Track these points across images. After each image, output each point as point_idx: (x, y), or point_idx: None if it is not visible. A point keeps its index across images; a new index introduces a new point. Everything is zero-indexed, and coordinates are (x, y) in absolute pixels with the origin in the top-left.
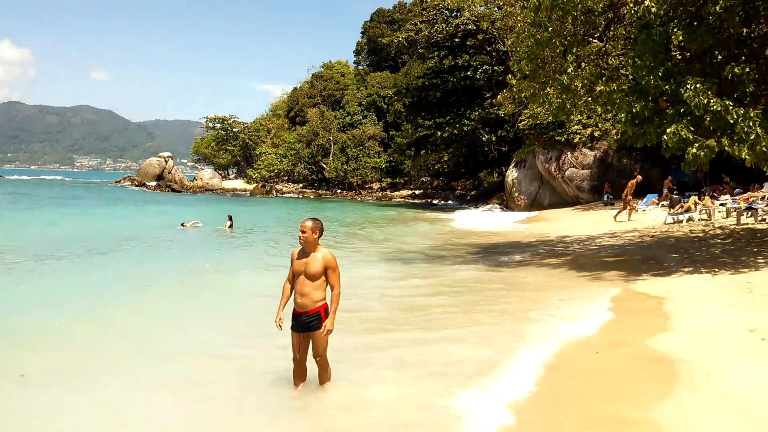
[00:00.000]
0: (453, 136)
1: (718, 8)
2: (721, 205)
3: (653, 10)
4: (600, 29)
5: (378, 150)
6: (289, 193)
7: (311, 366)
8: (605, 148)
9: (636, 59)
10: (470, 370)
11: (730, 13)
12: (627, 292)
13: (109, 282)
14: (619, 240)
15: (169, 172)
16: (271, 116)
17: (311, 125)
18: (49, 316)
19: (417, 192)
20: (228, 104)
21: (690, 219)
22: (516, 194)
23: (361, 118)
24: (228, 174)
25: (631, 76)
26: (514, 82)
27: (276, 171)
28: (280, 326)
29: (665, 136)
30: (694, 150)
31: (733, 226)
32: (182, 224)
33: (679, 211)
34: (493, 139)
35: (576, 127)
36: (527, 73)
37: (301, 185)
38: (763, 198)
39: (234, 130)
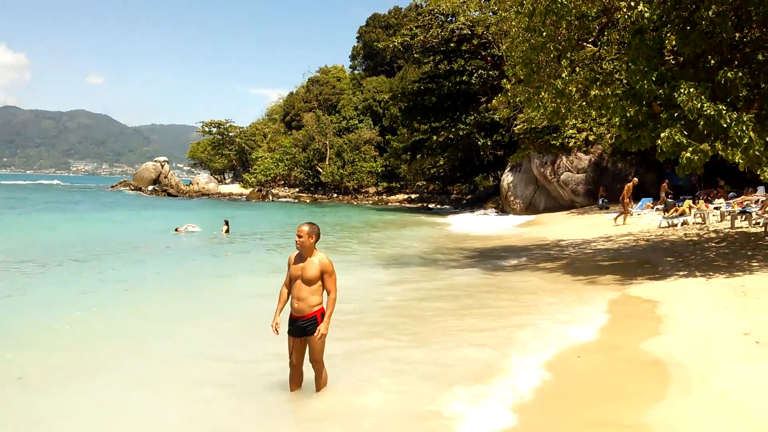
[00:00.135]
0: (449, 140)
1: (711, 13)
2: (716, 208)
3: (647, 15)
4: (594, 34)
5: (374, 154)
6: (285, 197)
7: (308, 371)
8: (600, 152)
9: (630, 64)
10: (465, 375)
11: (722, 18)
12: (622, 296)
13: (107, 286)
14: (614, 244)
15: (165, 177)
16: (267, 121)
17: (307, 129)
18: (48, 318)
19: (413, 196)
20: (224, 109)
21: (684, 223)
22: (511, 198)
23: (357, 122)
24: (224, 178)
25: (625, 81)
26: (509, 86)
27: (272, 175)
28: (277, 331)
29: (659, 141)
30: (688, 154)
31: (727, 230)
32: (176, 229)
33: (674, 214)
34: (489, 143)
35: (571, 131)
36: (522, 77)
37: (297, 190)
38: (757, 202)
39: (230, 134)
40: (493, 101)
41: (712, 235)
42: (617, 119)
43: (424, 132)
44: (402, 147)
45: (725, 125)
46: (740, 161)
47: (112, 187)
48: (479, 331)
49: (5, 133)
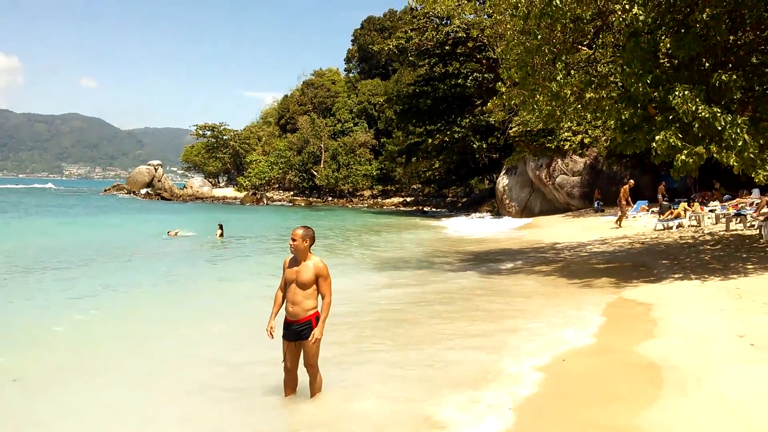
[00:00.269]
0: (444, 143)
1: (705, 16)
2: (711, 211)
3: (641, 17)
4: (589, 37)
5: (369, 157)
6: (279, 200)
7: (303, 376)
8: (595, 154)
9: (625, 66)
10: (459, 380)
11: (716, 21)
12: (618, 299)
13: (102, 289)
14: (610, 247)
15: (159, 181)
16: (261, 124)
17: (302, 133)
18: (45, 320)
19: (408, 199)
20: (218, 112)
21: (680, 225)
22: (507, 201)
23: (352, 125)
24: (218, 182)
25: (620, 83)
26: (504, 89)
27: (267, 179)
28: (272, 335)
29: (654, 143)
30: (683, 157)
31: (722, 233)
32: (168, 232)
33: (669, 217)
34: (484, 146)
35: (566, 134)
36: (517, 80)
37: (291, 193)
38: (751, 204)
39: (224, 137)
40: (489, 104)
41: (707, 237)
42: (612, 122)
43: (419, 135)
44: (397, 150)
45: (720, 128)
46: (735, 164)
47: (105, 191)
48: (474, 335)
49: None
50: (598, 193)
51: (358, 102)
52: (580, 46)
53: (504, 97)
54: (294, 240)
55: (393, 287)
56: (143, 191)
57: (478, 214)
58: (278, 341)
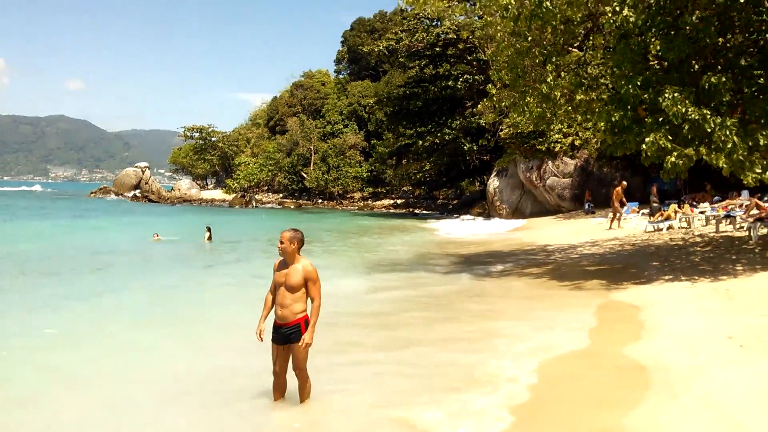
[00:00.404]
0: (434, 145)
1: (694, 19)
2: (701, 213)
3: (631, 19)
4: (579, 39)
5: (359, 159)
6: (269, 203)
7: (292, 381)
8: (586, 156)
9: (615, 68)
10: (447, 385)
11: (706, 23)
12: (608, 300)
13: (87, 295)
14: (600, 248)
15: (146, 183)
16: (250, 125)
17: (291, 134)
18: (26, 326)
19: (399, 201)
20: (207, 113)
21: (670, 227)
22: (498, 203)
23: (342, 127)
24: (206, 184)
25: (610, 85)
26: (494, 91)
27: (256, 181)
28: (261, 338)
29: (644, 145)
30: (673, 158)
31: (712, 234)
32: (155, 235)
33: (659, 219)
34: (475, 148)
35: (556, 136)
36: (507, 82)
37: (281, 195)
38: (741, 206)
39: (212, 139)
40: (479, 106)
41: (697, 239)
42: (602, 124)
43: (409, 137)
44: (387, 152)
45: (709, 130)
46: (724, 165)
47: (92, 193)
48: (463, 338)
49: None
50: (588, 195)
51: (348, 103)
52: (570, 48)
53: (494, 98)
54: (282, 243)
55: (383, 290)
56: (130, 194)
57: (469, 216)
58: (267, 345)
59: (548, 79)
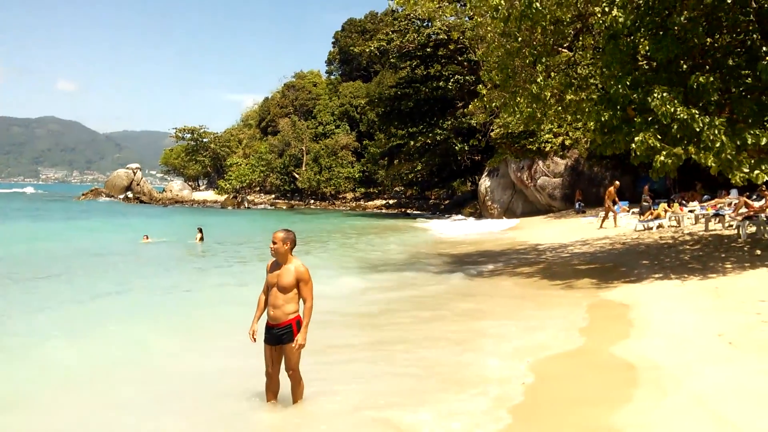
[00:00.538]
0: (426, 145)
1: (682, 19)
2: (690, 211)
3: (621, 20)
4: (569, 39)
5: (351, 160)
6: (261, 204)
7: (285, 381)
8: (576, 156)
9: (604, 69)
10: (438, 385)
11: (694, 23)
12: (598, 299)
13: (84, 298)
14: (591, 248)
15: (138, 184)
16: (242, 126)
17: (283, 135)
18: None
19: (391, 202)
20: (198, 114)
21: (660, 226)
22: (489, 203)
23: (333, 127)
24: (198, 185)
25: (599, 85)
26: (485, 91)
27: (248, 182)
28: (254, 339)
29: (634, 144)
30: (662, 158)
31: (701, 233)
32: (145, 236)
33: (649, 218)
34: (466, 148)
35: (547, 135)
36: (498, 82)
37: (273, 196)
38: (730, 204)
39: (204, 140)
40: (470, 106)
41: (687, 237)
42: (592, 124)
43: (401, 137)
44: (379, 152)
45: (698, 129)
46: (712, 165)
47: (83, 195)
48: (453, 338)
49: None
50: (579, 194)
51: (339, 104)
52: (560, 49)
53: (485, 99)
54: (274, 243)
55: (374, 290)
56: (122, 195)
57: (460, 216)
58: (260, 346)
59: (538, 80)
